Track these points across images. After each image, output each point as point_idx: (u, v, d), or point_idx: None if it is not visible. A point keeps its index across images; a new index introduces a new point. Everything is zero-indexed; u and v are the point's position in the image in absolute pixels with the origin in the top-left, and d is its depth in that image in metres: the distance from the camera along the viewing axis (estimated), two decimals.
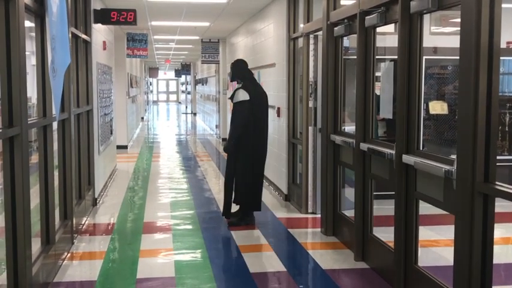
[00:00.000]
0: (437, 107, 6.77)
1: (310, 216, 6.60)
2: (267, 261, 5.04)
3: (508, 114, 6.96)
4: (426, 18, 4.11)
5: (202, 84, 23.33)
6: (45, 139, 4.48)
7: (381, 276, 4.53)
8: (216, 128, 16.94)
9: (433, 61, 6.99)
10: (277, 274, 4.71)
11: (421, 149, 3.94)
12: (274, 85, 8.09)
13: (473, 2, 3.02)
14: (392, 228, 4.17)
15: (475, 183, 3.07)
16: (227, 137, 6.42)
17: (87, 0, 6.96)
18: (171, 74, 43.98)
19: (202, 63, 16.23)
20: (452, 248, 3.31)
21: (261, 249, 5.40)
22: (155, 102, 50.13)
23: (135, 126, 18.52)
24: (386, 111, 4.90)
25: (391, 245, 4.27)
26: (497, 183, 3.01)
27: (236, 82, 6.39)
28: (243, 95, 6.11)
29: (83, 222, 6.20)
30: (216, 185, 8.85)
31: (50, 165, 4.55)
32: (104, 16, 7.72)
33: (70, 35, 5.26)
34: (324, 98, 5.71)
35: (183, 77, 37.84)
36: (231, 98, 6.27)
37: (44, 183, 4.49)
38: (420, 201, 3.94)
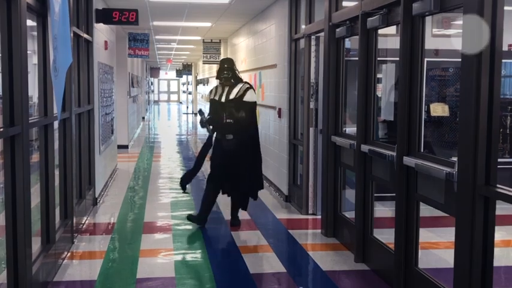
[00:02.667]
0: (439, 109, 6.78)
1: (310, 217, 6.60)
2: (267, 262, 5.04)
3: (509, 117, 6.96)
4: (428, 20, 4.11)
5: (204, 85, 23.36)
6: (46, 138, 4.48)
7: (381, 278, 4.53)
8: None
9: (435, 63, 7.00)
10: (277, 275, 4.70)
11: (421, 151, 3.94)
12: (275, 86, 8.09)
13: (476, 4, 3.02)
14: (392, 230, 4.17)
15: (476, 185, 3.06)
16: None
17: None
18: (173, 74, 44.05)
19: (203, 63, 16.22)
20: (453, 250, 3.31)
21: (261, 250, 5.40)
22: (156, 102, 50.16)
23: (136, 126, 18.52)
24: (387, 113, 4.90)
25: (392, 246, 4.27)
26: (498, 185, 3.01)
27: (223, 80, 6.18)
28: (254, 95, 6.12)
29: (83, 222, 6.20)
30: None
31: (50, 164, 4.55)
32: (106, 16, 7.72)
33: (72, 35, 5.26)
34: (325, 99, 5.71)
35: (184, 77, 37.87)
36: (239, 96, 6.01)
37: (45, 182, 4.49)
38: (421, 203, 3.94)
